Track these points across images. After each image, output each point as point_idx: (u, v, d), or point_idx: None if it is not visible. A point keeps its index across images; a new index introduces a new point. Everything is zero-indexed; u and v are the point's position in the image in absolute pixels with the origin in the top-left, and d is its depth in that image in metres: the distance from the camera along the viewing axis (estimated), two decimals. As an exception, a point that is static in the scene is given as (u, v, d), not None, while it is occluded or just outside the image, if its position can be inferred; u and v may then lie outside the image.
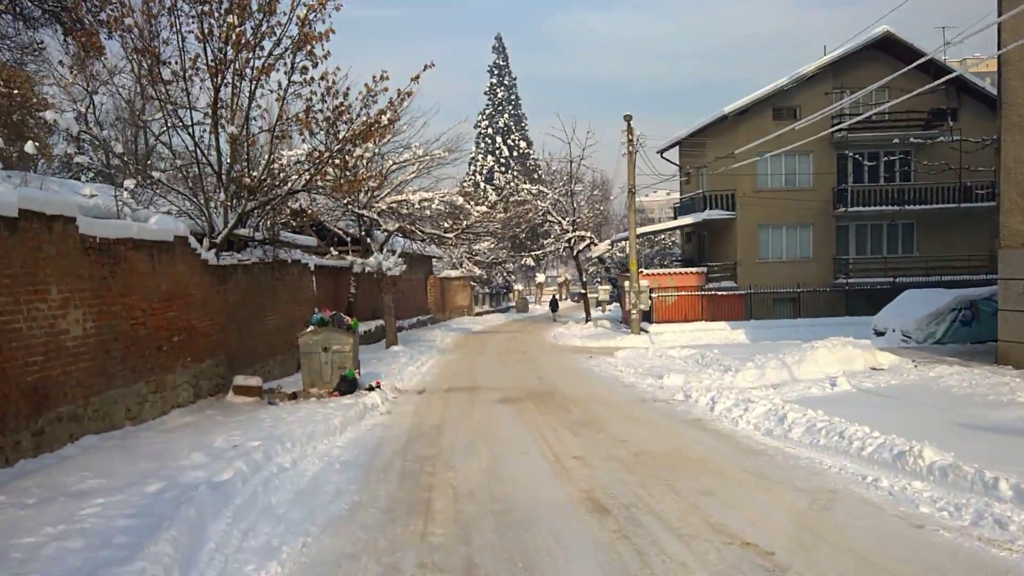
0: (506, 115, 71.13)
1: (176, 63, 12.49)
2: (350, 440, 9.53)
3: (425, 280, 39.12)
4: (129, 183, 13.88)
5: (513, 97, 72.23)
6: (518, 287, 61.22)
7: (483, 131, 70.16)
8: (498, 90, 71.58)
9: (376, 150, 22.45)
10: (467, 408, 11.91)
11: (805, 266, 28.96)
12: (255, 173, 14.38)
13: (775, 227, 29.16)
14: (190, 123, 12.70)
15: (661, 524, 5.89)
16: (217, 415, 10.69)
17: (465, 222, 24.61)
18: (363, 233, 23.79)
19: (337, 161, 14.01)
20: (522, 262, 64.51)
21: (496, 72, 71.65)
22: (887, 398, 11.14)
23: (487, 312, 49.52)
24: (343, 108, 13.65)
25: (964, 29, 35.96)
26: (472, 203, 25.26)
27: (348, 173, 14.05)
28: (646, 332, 26.17)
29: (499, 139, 70.63)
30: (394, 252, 22.62)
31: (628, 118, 25.45)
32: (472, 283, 47.38)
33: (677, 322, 27.66)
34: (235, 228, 13.15)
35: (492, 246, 48.12)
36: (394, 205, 23.73)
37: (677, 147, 35.44)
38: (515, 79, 72.28)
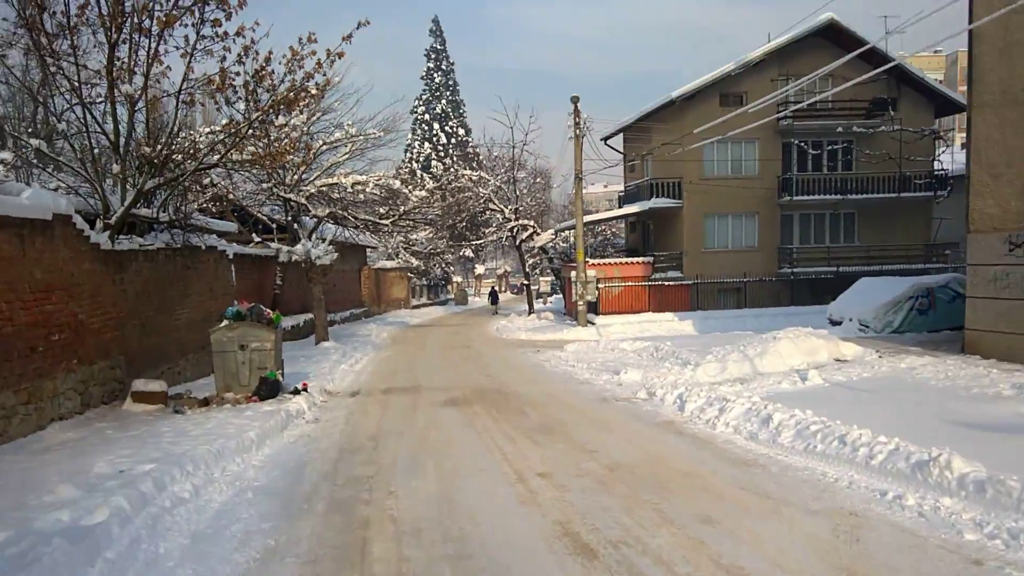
0: (444, 101, 69.17)
1: (62, 12, 10.57)
2: (268, 458, 7.96)
3: (359, 271, 37.21)
4: (5, 155, 11.82)
5: (451, 83, 70.33)
6: (457, 279, 59.71)
7: (419, 117, 68.09)
8: (435, 75, 69.53)
9: (304, 127, 20.67)
10: (409, 413, 10.47)
11: (750, 256, 28.53)
12: (160, 145, 12.53)
13: (721, 216, 28.60)
14: (77, 82, 10.76)
15: (665, 571, 4.65)
16: (108, 428, 8.92)
17: (403, 208, 22.98)
18: (290, 219, 21.88)
19: (258, 133, 12.31)
20: (461, 253, 63.10)
21: (433, 56, 69.52)
22: (864, 392, 10.28)
23: (425, 305, 47.86)
24: (264, 72, 11.93)
25: (907, 19, 36.17)
26: (410, 188, 23.64)
27: (272, 146, 12.35)
28: (593, 324, 25.17)
29: (436, 125, 68.73)
30: (324, 239, 20.84)
31: (575, 99, 24.30)
32: (409, 275, 45.60)
33: (623, 313, 26.79)
34: (134, 207, 11.29)
35: (430, 236, 46.51)
36: (325, 189, 21.92)
37: (622, 135, 34.71)
38: (453, 64, 70.41)
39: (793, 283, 27.83)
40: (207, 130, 16.28)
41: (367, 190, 21.73)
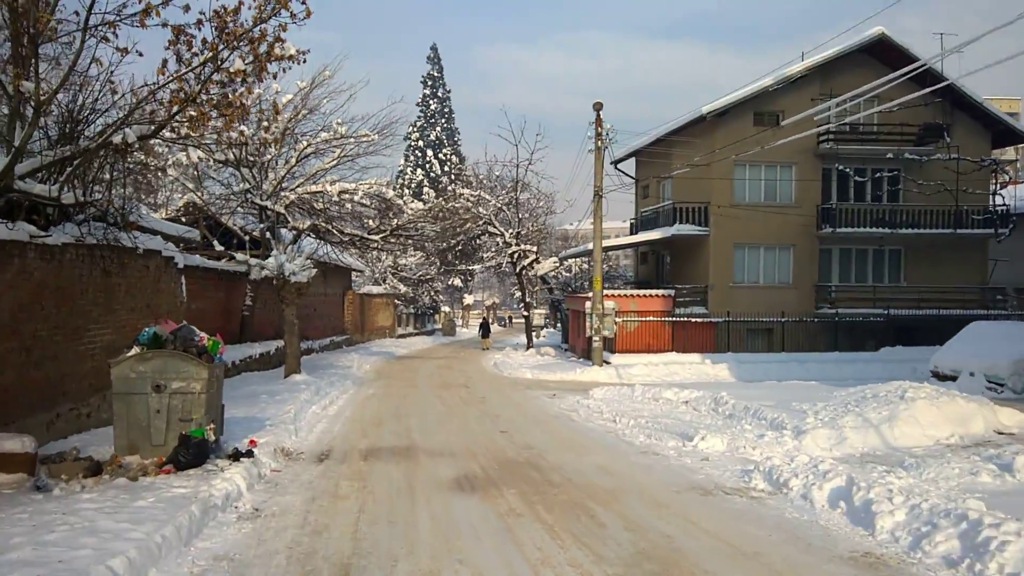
0: (438, 128, 66.40)
1: None
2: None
3: (343, 296, 33.57)
4: None
5: (447, 110, 67.72)
6: (445, 308, 56.13)
7: (413, 143, 65.13)
8: (431, 101, 66.85)
9: (284, 123, 17.28)
10: (403, 504, 6.82)
11: (784, 293, 25.26)
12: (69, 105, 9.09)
13: (752, 247, 25.38)
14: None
15: None
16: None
17: (396, 221, 19.50)
18: (266, 231, 18.26)
19: (214, 92, 8.86)
20: (450, 282, 59.58)
21: (430, 83, 66.92)
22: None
23: (411, 334, 44.15)
24: (227, 12, 8.51)
25: (964, 39, 33.35)
26: (404, 200, 20.19)
27: (230, 105, 8.85)
28: (609, 364, 21.68)
29: (430, 153, 65.78)
30: (302, 254, 17.32)
31: (598, 107, 21.16)
32: (396, 301, 41.99)
33: (641, 352, 23.33)
34: (8, 177, 7.72)
35: (421, 261, 43.04)
36: (307, 197, 18.44)
37: (634, 159, 31.73)
38: (449, 91, 67.88)
39: (836, 325, 24.52)
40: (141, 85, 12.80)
41: (356, 199, 18.25)
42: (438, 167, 63.82)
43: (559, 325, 51.10)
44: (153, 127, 9.02)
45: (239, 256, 16.37)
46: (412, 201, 20.05)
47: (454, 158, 64.88)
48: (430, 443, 9.84)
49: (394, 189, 20.83)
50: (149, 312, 12.00)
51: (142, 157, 10.94)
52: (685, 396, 13.62)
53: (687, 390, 13.88)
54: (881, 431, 9.45)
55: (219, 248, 16.50)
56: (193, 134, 9.53)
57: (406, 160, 63.40)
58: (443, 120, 66.04)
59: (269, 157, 17.33)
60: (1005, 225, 24.90)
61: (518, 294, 75.62)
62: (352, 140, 18.21)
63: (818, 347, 24.33)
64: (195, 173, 18.15)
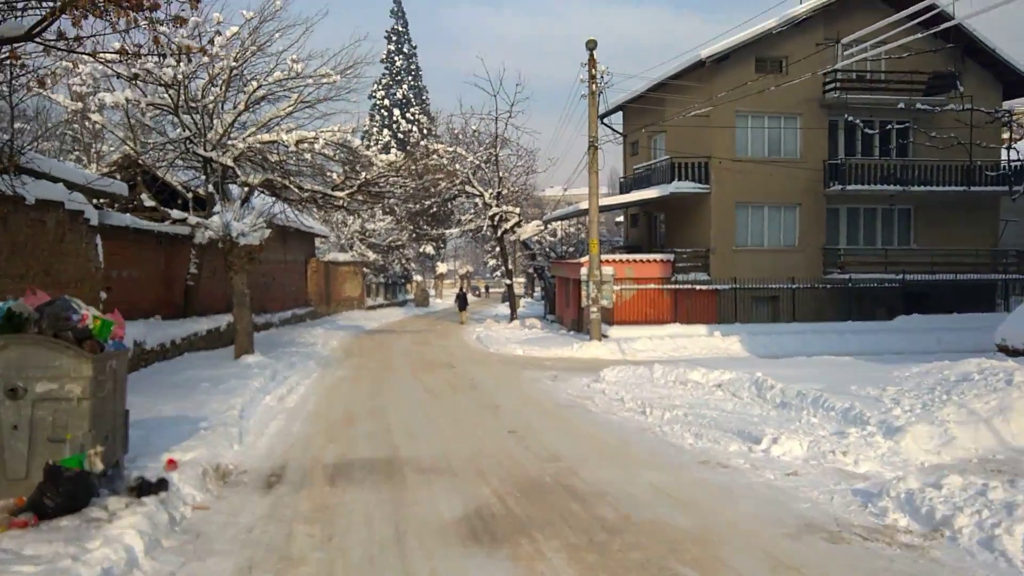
0: (405, 86, 62.87)
1: None
2: None
3: (305, 263, 30.78)
4: None
5: (413, 67, 64.07)
6: (417, 278, 53.47)
7: (379, 102, 61.64)
8: (396, 58, 63.16)
9: (227, 60, 14.47)
10: (389, 565, 4.46)
11: (789, 257, 23.24)
12: None
13: (755, 207, 23.23)
14: None
15: None
16: None
17: (364, 175, 16.83)
18: (211, 187, 15.46)
19: None
20: (421, 249, 56.70)
21: (395, 38, 63.21)
22: None
23: (382, 306, 41.50)
24: None
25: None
26: (374, 150, 17.46)
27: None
28: (607, 337, 19.49)
29: (397, 112, 62.33)
30: (252, 211, 14.66)
31: (591, 46, 18.61)
32: (365, 270, 39.24)
33: (640, 324, 21.20)
34: None
35: (391, 226, 40.22)
36: (259, 147, 15.68)
37: (621, 113, 29.28)
38: (415, 47, 64.25)
39: (850, 292, 22.61)
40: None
41: (317, 147, 15.52)
42: (406, 126, 60.54)
43: (539, 293, 48.67)
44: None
45: (174, 213, 13.63)
46: (382, 150, 17.31)
47: (423, 118, 61.58)
48: (419, 451, 7.47)
49: (361, 138, 18.07)
50: (49, 281, 9.36)
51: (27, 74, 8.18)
52: (716, 378, 11.43)
53: (716, 371, 11.68)
54: (994, 426, 7.37)
55: (148, 203, 13.69)
56: (83, 34, 6.91)
57: (372, 120, 59.83)
58: (410, 78, 62.58)
59: (212, 99, 14.52)
60: (1020, 182, 23.12)
61: (492, 262, 73.55)
62: (310, 81, 15.44)
63: (826, 316, 22.44)
64: (127, 120, 15.25)
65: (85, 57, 13.53)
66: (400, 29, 63.44)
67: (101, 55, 7.82)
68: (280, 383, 12.52)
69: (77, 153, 19.92)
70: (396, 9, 63.60)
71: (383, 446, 7.75)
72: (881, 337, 19.27)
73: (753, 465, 6.64)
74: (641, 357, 17.62)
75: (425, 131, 59.58)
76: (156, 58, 13.34)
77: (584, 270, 19.91)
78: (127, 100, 13.53)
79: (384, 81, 61.92)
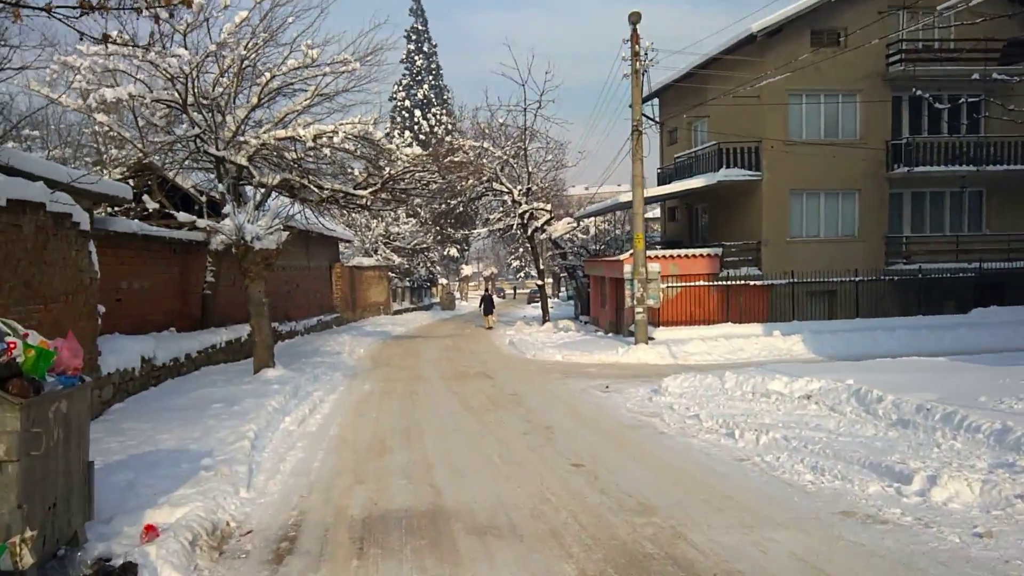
0: (426, 86, 61.56)
1: None
2: None
3: (329, 269, 29.53)
4: None
5: (434, 66, 62.69)
6: (443, 281, 52.13)
7: (399, 104, 60.40)
8: (416, 57, 61.89)
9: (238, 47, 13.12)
10: None
11: (848, 247, 21.34)
12: None
13: (811, 194, 21.39)
14: None
15: None
16: None
17: (388, 170, 15.39)
18: (225, 189, 14.08)
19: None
20: (445, 252, 55.30)
21: (415, 37, 61.91)
22: None
23: (408, 310, 40.21)
24: None
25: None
26: (398, 143, 15.99)
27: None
28: (653, 339, 17.86)
29: (418, 113, 61.07)
30: (267, 212, 13.30)
31: (635, 19, 16.98)
32: (390, 274, 37.96)
33: (687, 324, 19.52)
34: None
35: (415, 228, 38.89)
36: (275, 144, 14.29)
37: (656, 100, 27.55)
38: (435, 46, 62.95)
39: (918, 284, 20.68)
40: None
41: (336, 141, 14.06)
42: (427, 127, 59.23)
43: (564, 294, 46.88)
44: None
45: (181, 216, 12.29)
46: (405, 144, 15.82)
47: (444, 118, 60.25)
48: (468, 496, 5.95)
49: (384, 132, 16.63)
50: (30, 294, 8.03)
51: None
52: (802, 387, 9.77)
53: (800, 379, 10.01)
54: None
55: (151, 205, 12.37)
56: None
57: (392, 122, 58.63)
58: (430, 77, 61.26)
59: (222, 90, 13.18)
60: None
61: (516, 263, 71.97)
62: (327, 69, 13.99)
63: (888, 310, 20.55)
64: (134, 119, 13.93)
65: (83, 52, 12.37)
66: (420, 27, 62.22)
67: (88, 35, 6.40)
68: (302, 400, 11.12)
69: (88, 160, 18.80)
70: (416, 7, 62.37)
71: (423, 489, 6.25)
72: (961, 333, 17.38)
73: (918, 519, 5.01)
74: (695, 361, 16.01)
75: (449, 128, 58.24)
76: (159, 47, 12.12)
77: (628, 267, 18.28)
78: (131, 95, 12.23)
79: (404, 82, 60.72)
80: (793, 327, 18.37)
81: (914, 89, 20.75)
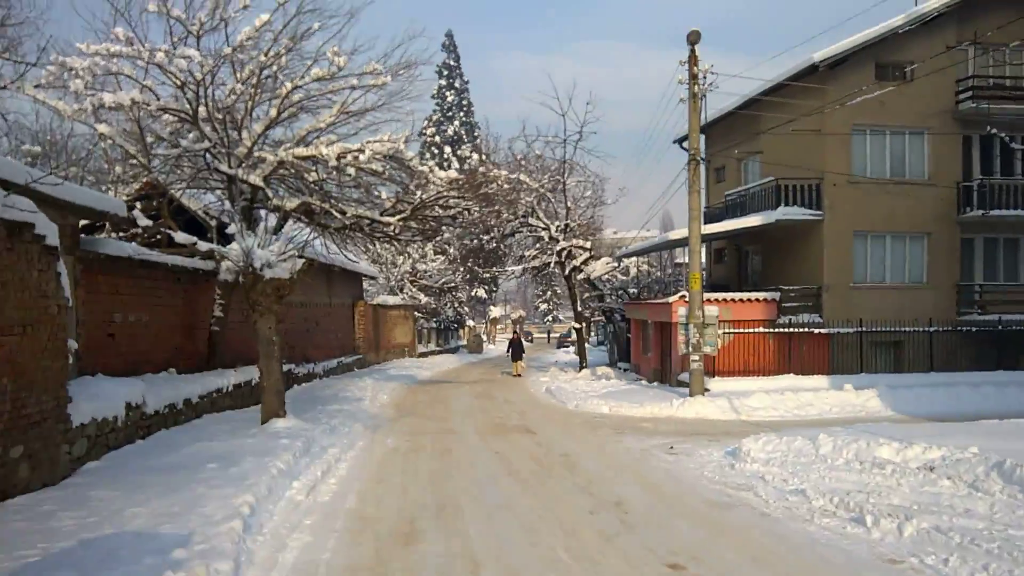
0: (456, 122, 61.10)
1: None
2: None
3: (352, 307, 28.12)
4: None
5: (464, 102, 62.28)
6: (470, 323, 50.51)
7: (429, 140, 59.83)
8: (447, 93, 61.54)
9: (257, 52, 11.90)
10: None
11: (916, 295, 19.42)
12: None
13: (875, 236, 19.58)
14: None
15: None
16: None
17: (420, 194, 13.95)
18: (237, 212, 12.70)
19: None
20: (472, 292, 53.82)
21: (446, 73, 61.68)
22: None
23: (434, 352, 38.59)
24: None
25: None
26: (430, 166, 14.54)
27: None
28: (708, 391, 15.99)
29: (448, 149, 60.08)
30: (279, 237, 11.86)
31: (693, 39, 15.60)
32: (416, 314, 36.49)
33: (740, 375, 17.66)
34: None
35: (443, 266, 37.55)
36: (295, 161, 12.89)
37: (702, 136, 26.05)
38: (467, 82, 62.53)
39: (990, 336, 18.67)
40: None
41: (362, 160, 12.63)
42: (457, 164, 58.46)
43: (595, 339, 44.58)
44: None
45: (179, 237, 10.83)
46: (438, 167, 14.37)
47: (475, 155, 59.51)
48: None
49: (417, 154, 15.22)
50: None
51: None
52: (918, 457, 7.91)
53: (915, 446, 8.15)
54: None
55: (143, 222, 10.94)
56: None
57: (422, 158, 58.11)
58: (461, 113, 60.73)
59: (235, 98, 11.86)
60: None
61: (543, 307, 70.19)
62: (355, 81, 12.55)
63: (960, 364, 18.51)
64: (137, 130, 12.59)
65: (83, 51, 11.16)
66: (451, 63, 61.94)
67: None
68: (315, 459, 9.46)
69: (91, 180, 17.65)
70: (448, 43, 62.27)
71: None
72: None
73: None
74: (760, 417, 14.14)
75: (483, 159, 57.32)
76: (167, 45, 10.90)
77: (681, 310, 16.54)
78: (133, 101, 10.96)
79: (435, 118, 60.29)
80: (863, 380, 16.41)
81: (988, 127, 19.02)
